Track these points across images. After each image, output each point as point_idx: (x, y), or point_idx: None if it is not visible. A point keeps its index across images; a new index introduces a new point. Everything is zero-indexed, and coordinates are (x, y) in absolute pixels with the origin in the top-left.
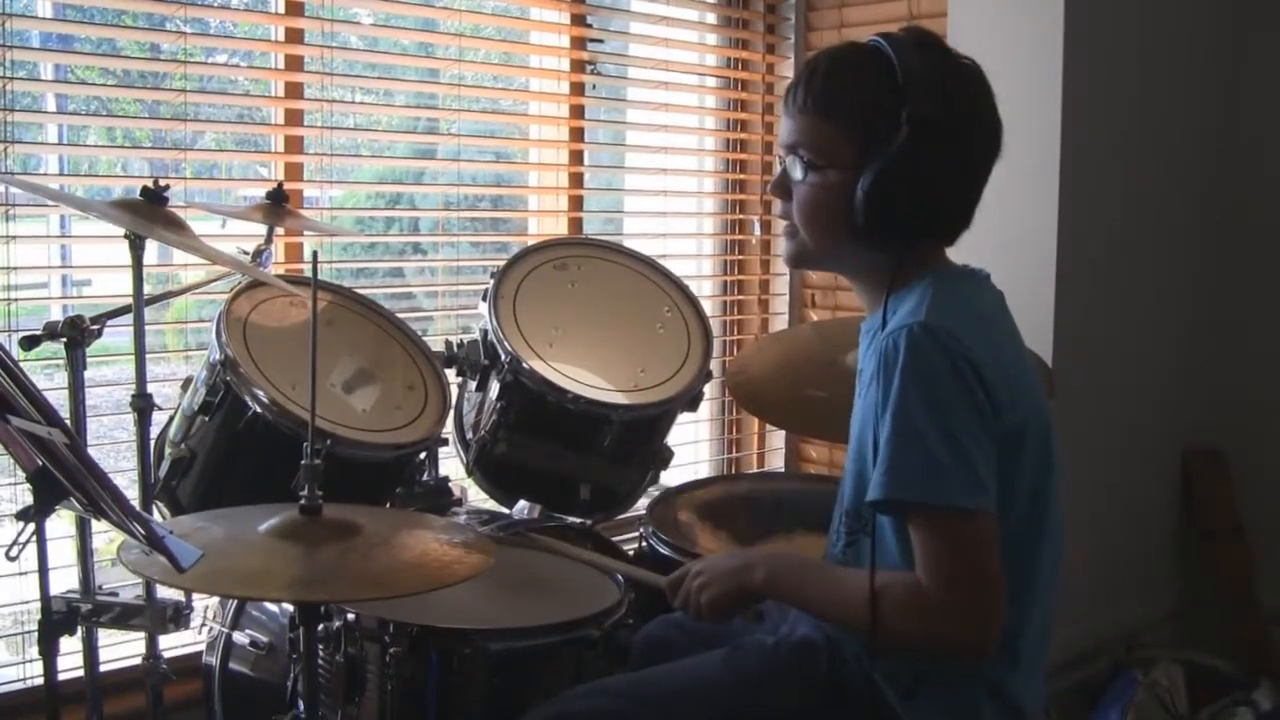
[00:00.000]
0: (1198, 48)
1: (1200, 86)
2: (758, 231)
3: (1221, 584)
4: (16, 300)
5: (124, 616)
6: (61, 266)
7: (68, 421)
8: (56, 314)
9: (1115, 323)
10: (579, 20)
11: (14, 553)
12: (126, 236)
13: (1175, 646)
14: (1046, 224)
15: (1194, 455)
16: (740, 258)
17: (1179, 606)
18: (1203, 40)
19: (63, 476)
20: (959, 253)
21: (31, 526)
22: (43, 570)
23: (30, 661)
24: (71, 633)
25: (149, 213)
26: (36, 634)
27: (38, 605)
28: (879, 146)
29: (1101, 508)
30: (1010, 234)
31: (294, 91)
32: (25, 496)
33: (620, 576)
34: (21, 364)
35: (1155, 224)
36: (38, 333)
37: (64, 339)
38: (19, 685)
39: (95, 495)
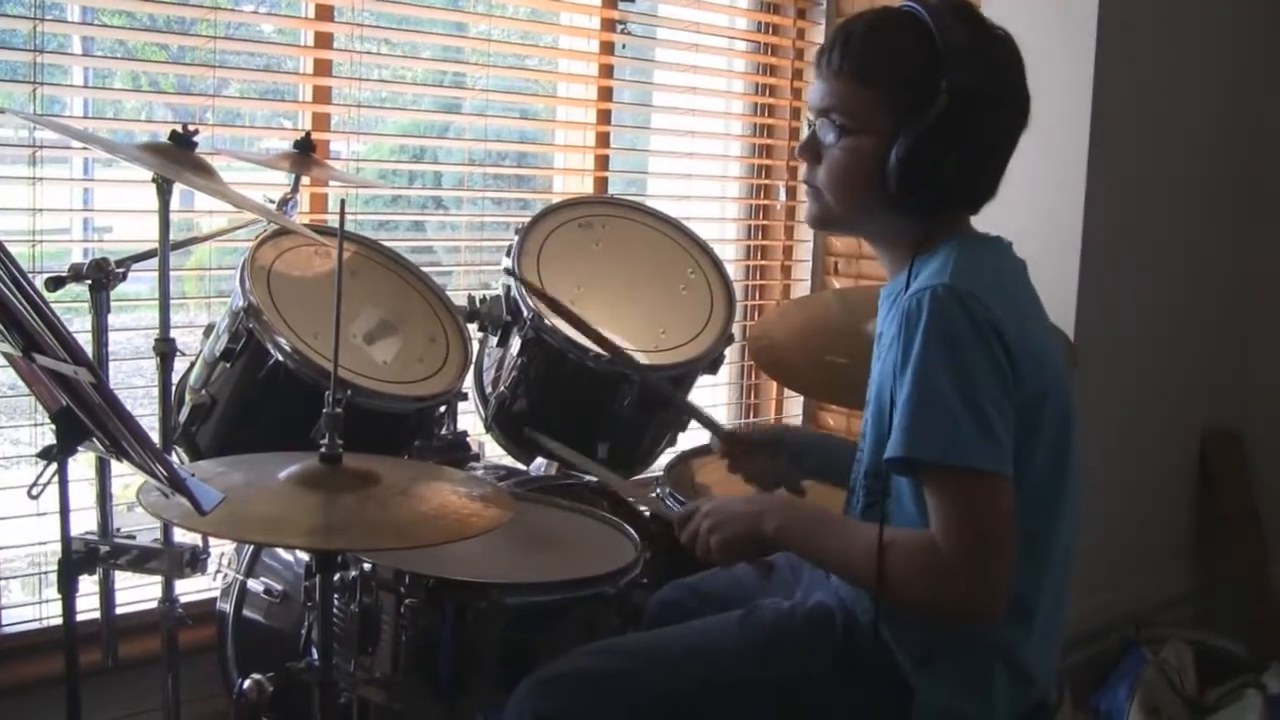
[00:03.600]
0: (1231, 24)
1: (1232, 63)
2: (783, 197)
3: (1235, 567)
4: (40, 243)
5: (141, 559)
6: (85, 210)
7: None
8: (78, 258)
9: (1138, 302)
10: None
11: (36, 491)
12: (154, 180)
13: (1186, 627)
14: (1073, 200)
15: (1212, 438)
16: (764, 222)
17: (1192, 588)
18: (1236, 16)
19: (86, 416)
20: (986, 226)
21: (54, 466)
22: (64, 510)
23: (47, 602)
24: (90, 573)
25: (178, 157)
26: (56, 573)
27: (54, 547)
28: (916, 114)
29: (1118, 486)
30: (1037, 208)
31: (323, 41)
32: (44, 438)
33: (633, 529)
34: None
35: (1181, 204)
36: (63, 274)
37: (89, 281)
38: (35, 625)
39: (118, 435)
